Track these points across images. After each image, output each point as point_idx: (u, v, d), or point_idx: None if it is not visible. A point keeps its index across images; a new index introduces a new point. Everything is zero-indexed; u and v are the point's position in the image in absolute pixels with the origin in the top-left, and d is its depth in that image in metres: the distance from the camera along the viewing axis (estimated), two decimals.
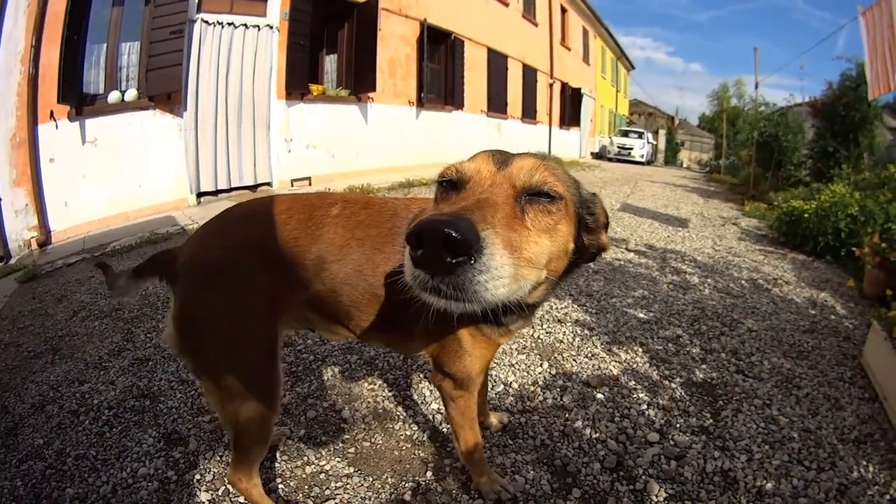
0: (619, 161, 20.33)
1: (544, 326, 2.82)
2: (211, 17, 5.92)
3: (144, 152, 5.80)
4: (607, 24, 21.60)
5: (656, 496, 1.61)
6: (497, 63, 12.20)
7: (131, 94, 5.70)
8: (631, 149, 20.51)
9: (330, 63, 8.27)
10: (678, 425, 1.99)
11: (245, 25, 6.15)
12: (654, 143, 25.67)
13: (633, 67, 30.52)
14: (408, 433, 1.86)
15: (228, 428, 1.27)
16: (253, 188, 6.50)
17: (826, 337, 2.98)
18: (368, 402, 2.03)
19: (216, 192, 6.22)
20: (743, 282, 4.00)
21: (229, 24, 6.03)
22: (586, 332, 2.78)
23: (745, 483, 1.69)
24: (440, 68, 10.17)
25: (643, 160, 20.82)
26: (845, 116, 8.07)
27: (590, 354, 2.54)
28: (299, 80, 6.73)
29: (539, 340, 2.64)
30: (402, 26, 8.71)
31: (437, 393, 2.00)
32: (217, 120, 6.11)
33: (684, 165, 30.28)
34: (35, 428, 1.92)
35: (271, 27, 6.38)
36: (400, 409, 2.00)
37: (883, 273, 3.62)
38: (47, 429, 1.91)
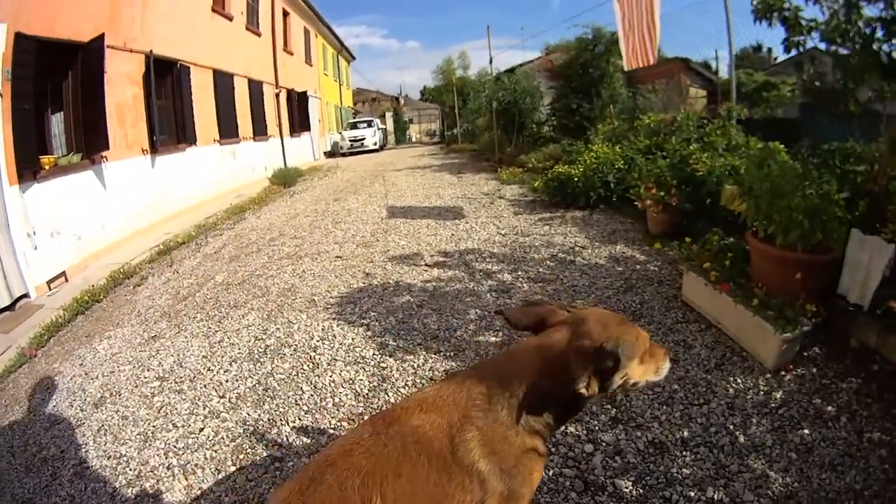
0: (352, 154, 23.10)
1: None
2: None
3: None
4: (328, 21, 24.35)
5: (627, 489, 2.13)
6: (224, 84, 12.86)
7: None
8: (363, 139, 23.81)
9: (57, 124, 7.62)
10: (597, 427, 2.54)
11: None
12: (384, 127, 29.82)
13: (353, 58, 34.81)
14: None
15: None
16: (11, 307, 5.58)
17: (643, 289, 3.99)
18: None
19: None
20: (548, 262, 4.88)
21: None
22: None
23: (670, 441, 2.35)
24: (169, 103, 10.42)
25: (377, 147, 24.32)
26: (583, 75, 10.19)
27: None
28: (29, 155, 6.27)
29: None
30: (127, 63, 8.63)
31: None
32: None
33: (413, 140, 36.10)
34: None
35: None
36: None
37: (667, 215, 5.01)
38: None
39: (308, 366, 3.45)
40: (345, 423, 2.80)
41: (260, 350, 3.79)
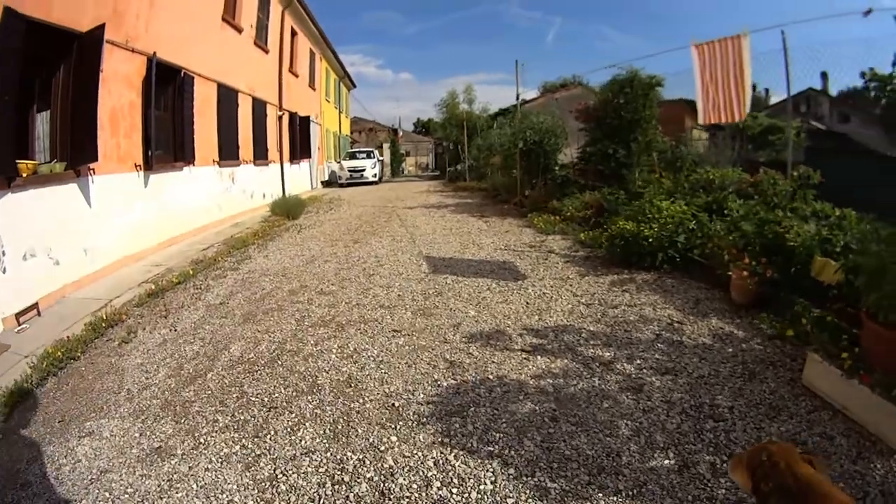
0: (350, 185, 23.14)
1: None
2: None
3: None
4: (333, 45, 24.14)
5: None
6: (227, 101, 12.16)
7: None
8: (363, 170, 23.91)
9: (42, 124, 6.73)
10: None
11: None
12: (382, 158, 30.19)
13: (354, 86, 34.74)
14: None
15: None
16: None
17: (763, 373, 3.57)
18: None
19: None
20: (658, 345, 4.13)
21: None
22: None
23: None
24: (168, 115, 9.58)
25: (375, 179, 24.58)
26: (616, 118, 9.63)
27: None
28: (5, 157, 5.45)
29: None
30: (126, 64, 7.91)
31: None
32: None
33: (405, 172, 37.42)
34: None
35: None
36: None
37: (758, 286, 4.69)
38: None
39: None
40: None
41: None
